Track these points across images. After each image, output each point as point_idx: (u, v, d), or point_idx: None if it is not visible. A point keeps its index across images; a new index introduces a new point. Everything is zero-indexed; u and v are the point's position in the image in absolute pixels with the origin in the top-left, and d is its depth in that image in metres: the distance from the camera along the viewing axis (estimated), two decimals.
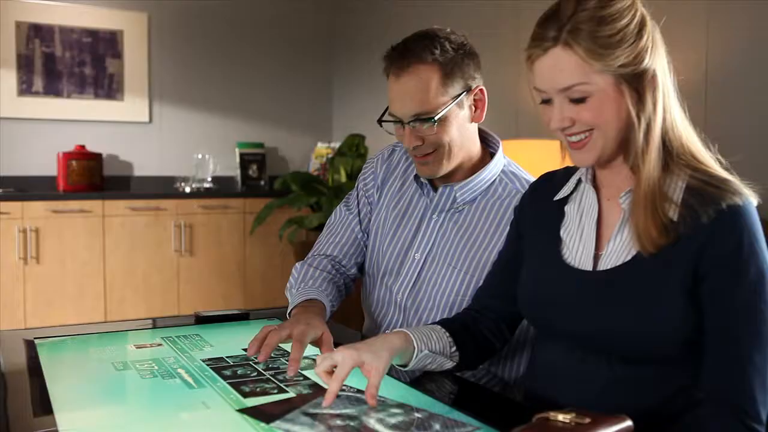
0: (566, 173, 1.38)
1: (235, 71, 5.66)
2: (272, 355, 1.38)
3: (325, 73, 5.95)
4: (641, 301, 1.16)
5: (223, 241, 5.15)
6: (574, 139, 1.20)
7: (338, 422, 1.07)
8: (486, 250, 1.60)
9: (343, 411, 1.11)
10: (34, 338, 1.54)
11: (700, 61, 3.27)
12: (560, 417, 0.95)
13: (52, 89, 5.11)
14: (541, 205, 1.38)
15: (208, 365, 1.35)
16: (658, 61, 1.18)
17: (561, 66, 1.15)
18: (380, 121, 1.66)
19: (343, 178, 4.88)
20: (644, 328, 1.15)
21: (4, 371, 1.35)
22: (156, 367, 1.34)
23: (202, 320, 1.71)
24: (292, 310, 1.60)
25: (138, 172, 5.39)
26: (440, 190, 1.67)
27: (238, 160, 5.61)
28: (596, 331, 1.20)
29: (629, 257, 1.19)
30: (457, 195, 1.65)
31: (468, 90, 1.61)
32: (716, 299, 1.12)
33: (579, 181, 1.33)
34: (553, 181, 1.40)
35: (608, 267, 1.21)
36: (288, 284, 1.72)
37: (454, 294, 1.62)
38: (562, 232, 1.32)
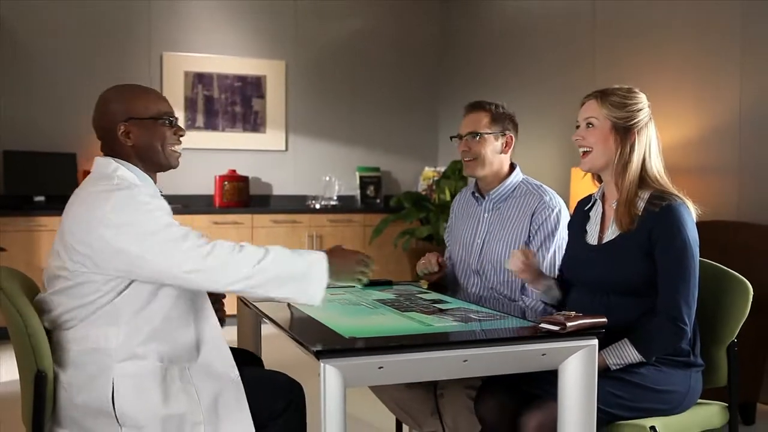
0: (590, 196, 2.32)
1: (356, 107, 6.74)
2: (410, 297, 2.39)
3: (432, 108, 6.95)
4: (621, 260, 2.08)
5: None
6: (581, 150, 2.18)
7: (458, 314, 2.07)
8: (515, 229, 2.63)
9: (457, 313, 2.09)
10: None
11: (734, 103, 3.89)
12: (565, 312, 1.90)
13: (210, 124, 6.32)
14: (578, 216, 2.34)
15: (376, 300, 2.35)
16: (644, 131, 2.11)
17: (589, 107, 2.15)
18: (452, 137, 2.75)
19: (448, 197, 5.78)
20: (623, 276, 2.07)
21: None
22: (347, 302, 2.34)
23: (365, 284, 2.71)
24: None
25: (277, 191, 6.53)
26: (485, 198, 2.70)
27: (358, 181, 6.65)
28: (598, 278, 2.13)
29: (616, 236, 2.12)
30: (493, 197, 2.67)
31: (502, 134, 2.64)
32: (660, 257, 2.03)
33: (595, 198, 2.26)
34: (584, 201, 2.34)
35: (605, 241, 2.15)
36: None
37: (501, 258, 2.61)
38: (587, 227, 2.26)
